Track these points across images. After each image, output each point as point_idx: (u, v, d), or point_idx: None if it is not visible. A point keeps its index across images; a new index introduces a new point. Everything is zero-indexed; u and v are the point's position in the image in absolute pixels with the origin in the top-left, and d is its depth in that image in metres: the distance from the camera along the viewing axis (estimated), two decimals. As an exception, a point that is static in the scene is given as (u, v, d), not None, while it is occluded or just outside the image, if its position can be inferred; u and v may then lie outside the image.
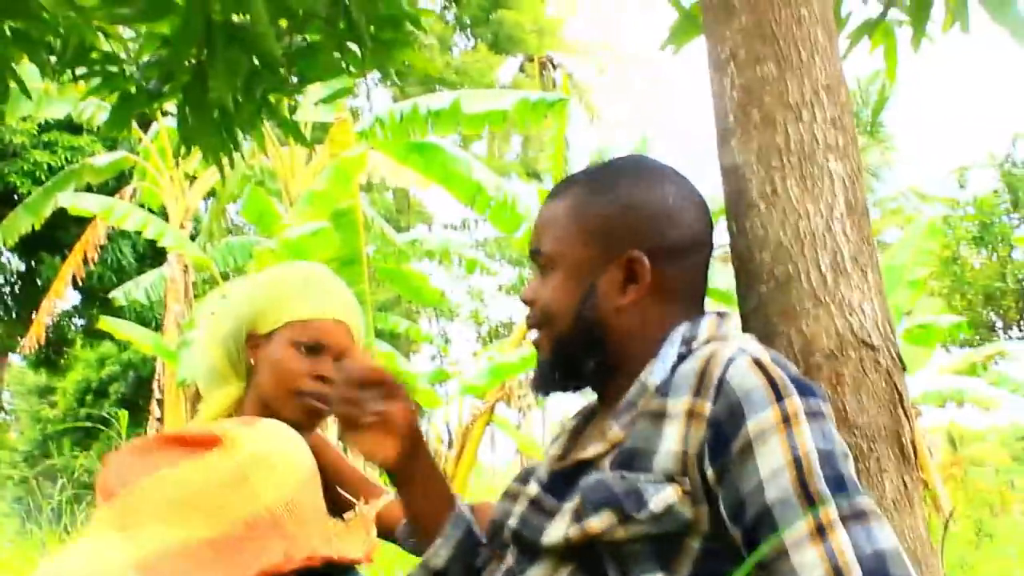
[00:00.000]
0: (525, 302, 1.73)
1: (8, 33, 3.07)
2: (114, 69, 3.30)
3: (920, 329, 11.11)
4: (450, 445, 12.82)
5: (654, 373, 1.55)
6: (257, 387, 1.92)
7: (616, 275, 1.63)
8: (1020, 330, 19.30)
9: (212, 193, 15.53)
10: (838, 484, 1.36)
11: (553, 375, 1.71)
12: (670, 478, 1.44)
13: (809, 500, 1.34)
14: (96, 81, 3.31)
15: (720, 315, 1.65)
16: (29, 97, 3.37)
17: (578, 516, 1.47)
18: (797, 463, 1.36)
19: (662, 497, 1.42)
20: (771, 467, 1.37)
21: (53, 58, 3.18)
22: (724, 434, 1.42)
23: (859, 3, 3.36)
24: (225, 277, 12.44)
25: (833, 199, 1.79)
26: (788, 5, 1.88)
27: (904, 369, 1.76)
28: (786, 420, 1.39)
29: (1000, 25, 3.06)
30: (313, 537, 1.29)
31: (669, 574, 1.43)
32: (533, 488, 1.64)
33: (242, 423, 1.48)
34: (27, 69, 3.24)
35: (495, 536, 1.72)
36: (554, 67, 34.52)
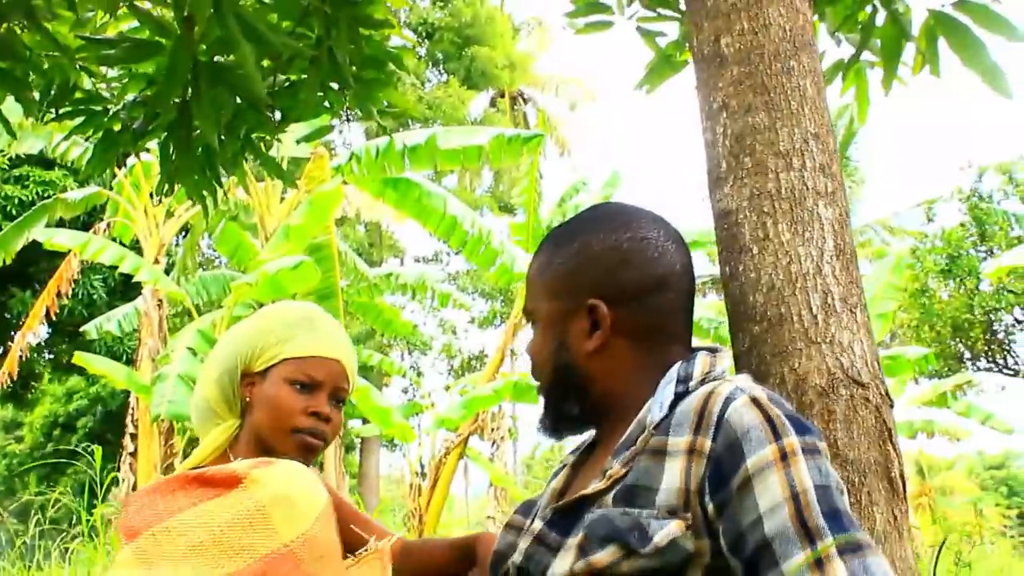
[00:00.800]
0: (528, 355, 1.83)
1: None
2: (97, 108, 3.34)
3: (889, 360, 11.24)
4: (423, 476, 12.82)
5: (652, 411, 1.60)
6: (252, 424, 1.95)
7: (581, 324, 1.71)
8: (987, 361, 19.50)
9: (186, 228, 15.52)
10: (834, 518, 1.41)
11: (550, 421, 1.80)
12: (672, 512, 1.49)
13: (807, 534, 1.40)
14: (79, 120, 3.35)
15: (711, 351, 1.71)
16: (13, 135, 3.40)
17: (583, 551, 1.51)
18: (795, 498, 1.41)
19: (666, 532, 1.47)
20: (770, 502, 1.42)
21: (35, 95, 3.21)
22: (724, 470, 1.47)
23: (831, 44, 3.45)
24: (199, 311, 12.42)
25: (823, 243, 1.86)
26: (778, 58, 1.97)
27: (892, 405, 1.83)
28: (784, 457, 1.44)
29: (971, 69, 3.15)
30: (330, 570, 1.34)
31: None
32: (537, 524, 1.69)
33: (260, 463, 1.52)
34: (3, 103, 3.26)
35: (498, 568, 1.77)
36: (525, 102, 34.67)
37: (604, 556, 1.50)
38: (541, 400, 1.79)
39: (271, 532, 1.38)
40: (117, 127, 3.34)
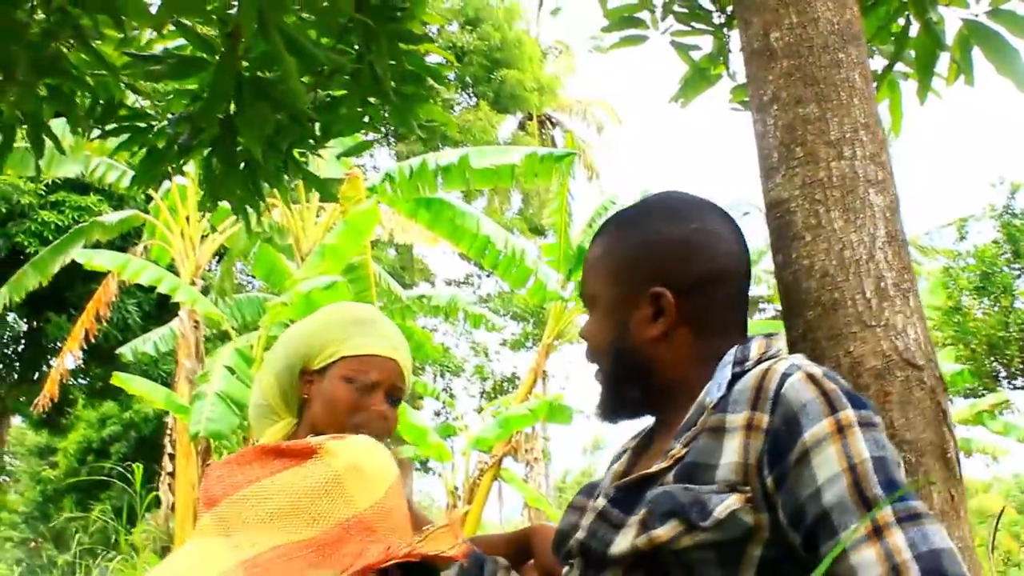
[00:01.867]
0: (584, 337, 1.86)
1: (43, 91, 3.17)
2: (142, 125, 3.40)
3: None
4: (458, 498, 12.83)
5: (711, 393, 1.64)
6: (309, 421, 1.98)
7: (645, 311, 1.74)
8: (1024, 379, 19.33)
9: (220, 251, 15.63)
10: (891, 488, 1.44)
11: (609, 405, 1.84)
12: (732, 487, 1.52)
13: (865, 503, 1.42)
14: (124, 137, 3.40)
15: (767, 336, 1.75)
16: (62, 151, 3.44)
17: (645, 526, 1.54)
18: (852, 469, 1.44)
19: (725, 505, 1.50)
20: (828, 474, 1.46)
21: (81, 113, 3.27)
22: (782, 444, 1.50)
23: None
24: (236, 333, 12.51)
25: (875, 229, 1.89)
26: (827, 50, 2.00)
27: (946, 389, 1.86)
28: (840, 430, 1.48)
29: (1005, 76, 3.16)
30: (403, 540, 1.37)
31: None
32: (600, 502, 1.72)
33: (334, 437, 1.56)
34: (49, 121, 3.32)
35: (561, 547, 1.80)
36: (553, 125, 34.82)
37: (665, 531, 1.52)
38: (600, 384, 1.82)
39: (346, 501, 1.42)
40: (162, 143, 3.39)
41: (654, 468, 1.65)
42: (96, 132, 3.43)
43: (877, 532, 1.40)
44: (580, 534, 1.72)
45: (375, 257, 13.47)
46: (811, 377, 1.54)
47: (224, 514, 1.44)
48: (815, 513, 1.45)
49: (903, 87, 3.57)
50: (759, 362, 1.65)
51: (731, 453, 1.54)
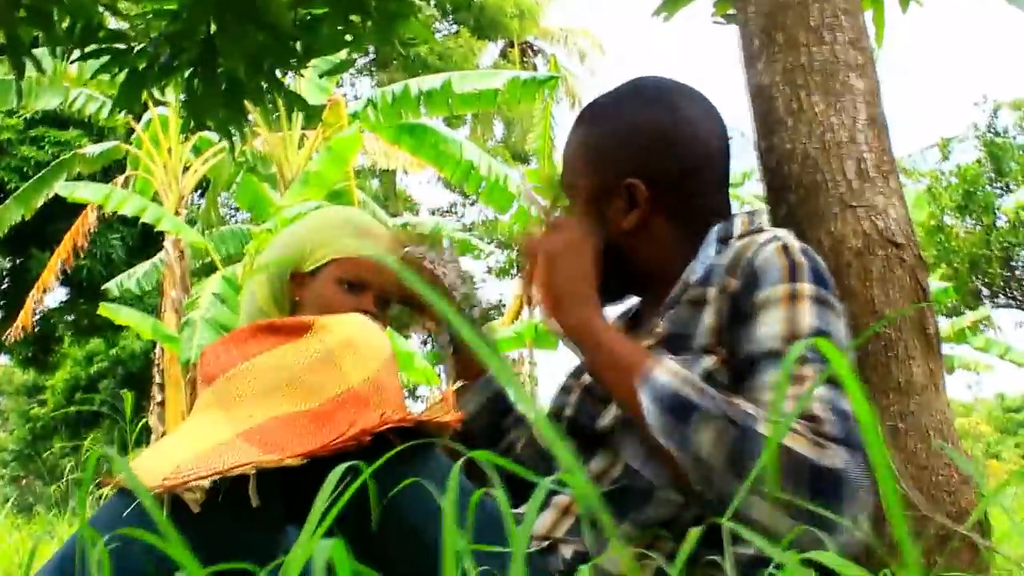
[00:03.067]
0: None
1: (22, 12, 3.14)
2: (122, 47, 3.37)
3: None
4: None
5: (695, 271, 1.66)
6: None
7: (619, 202, 1.74)
8: (1006, 297, 19.49)
9: (203, 183, 15.57)
10: (821, 358, 1.44)
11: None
12: (707, 350, 1.55)
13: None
14: (104, 59, 3.38)
15: (749, 213, 1.76)
16: (43, 71, 3.40)
17: None
18: (792, 333, 1.46)
19: (701, 366, 1.52)
20: (767, 332, 1.48)
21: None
22: (740, 302, 1.53)
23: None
24: (222, 265, 12.50)
25: (856, 113, 1.91)
26: (808, -64, 2.01)
27: (926, 268, 1.89)
28: (793, 297, 1.50)
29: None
30: (397, 414, 1.40)
31: None
32: (586, 378, 1.75)
33: (327, 316, 1.59)
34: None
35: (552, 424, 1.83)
36: (534, 53, 34.56)
37: None
38: None
39: (340, 375, 1.45)
40: (142, 65, 3.37)
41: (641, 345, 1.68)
42: (76, 54, 3.40)
43: (796, 380, 1.43)
44: (569, 411, 1.75)
45: (358, 187, 13.44)
46: (785, 248, 1.56)
47: (221, 390, 1.47)
48: (744, 358, 1.49)
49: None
50: (742, 237, 1.68)
51: (707, 319, 1.57)
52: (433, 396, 1.63)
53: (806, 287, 1.50)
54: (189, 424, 1.47)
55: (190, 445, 1.38)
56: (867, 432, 0.45)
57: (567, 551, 1.55)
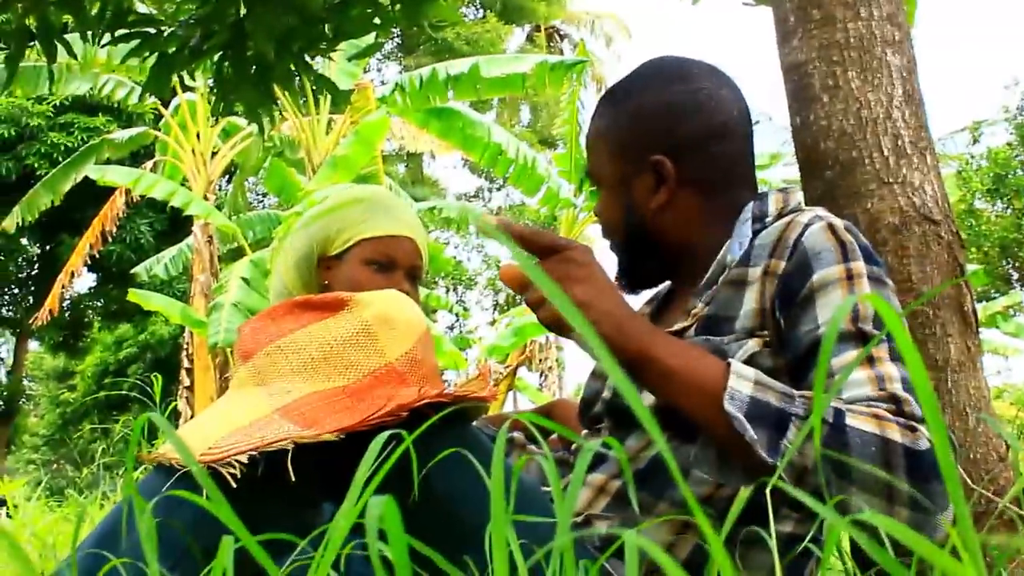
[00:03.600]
0: (596, 216, 1.86)
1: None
2: (152, 30, 3.37)
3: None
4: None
5: (732, 251, 1.64)
6: None
7: (646, 181, 1.73)
8: (1038, 282, 19.34)
9: (231, 168, 15.61)
10: (889, 336, 1.43)
11: (629, 278, 1.84)
12: (750, 333, 1.54)
13: (863, 336, 1.43)
14: (134, 43, 3.38)
15: (782, 190, 1.74)
16: (74, 56, 3.40)
17: None
18: (854, 311, 1.45)
19: (744, 349, 1.51)
20: (829, 314, 1.46)
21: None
22: (792, 285, 1.51)
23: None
24: (250, 249, 12.54)
25: (892, 89, 1.90)
26: (843, -90, 1.99)
27: (963, 245, 1.88)
28: (850, 278, 1.48)
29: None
30: (433, 389, 1.40)
31: None
32: None
33: (363, 292, 1.59)
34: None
35: (587, 413, 1.83)
36: (561, 38, 34.49)
37: None
38: (617, 259, 1.82)
39: (377, 350, 1.45)
40: (172, 49, 3.37)
41: (676, 327, 1.67)
42: (106, 39, 3.41)
43: (870, 360, 1.41)
44: (606, 394, 1.74)
45: (385, 171, 13.45)
46: (831, 227, 1.54)
47: (259, 365, 1.47)
48: (809, 342, 1.46)
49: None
50: (780, 216, 1.66)
51: (750, 301, 1.55)
52: (469, 374, 1.61)
53: (861, 266, 1.49)
54: (226, 400, 1.47)
55: (228, 421, 1.38)
56: (929, 410, 0.44)
57: (602, 526, 1.55)
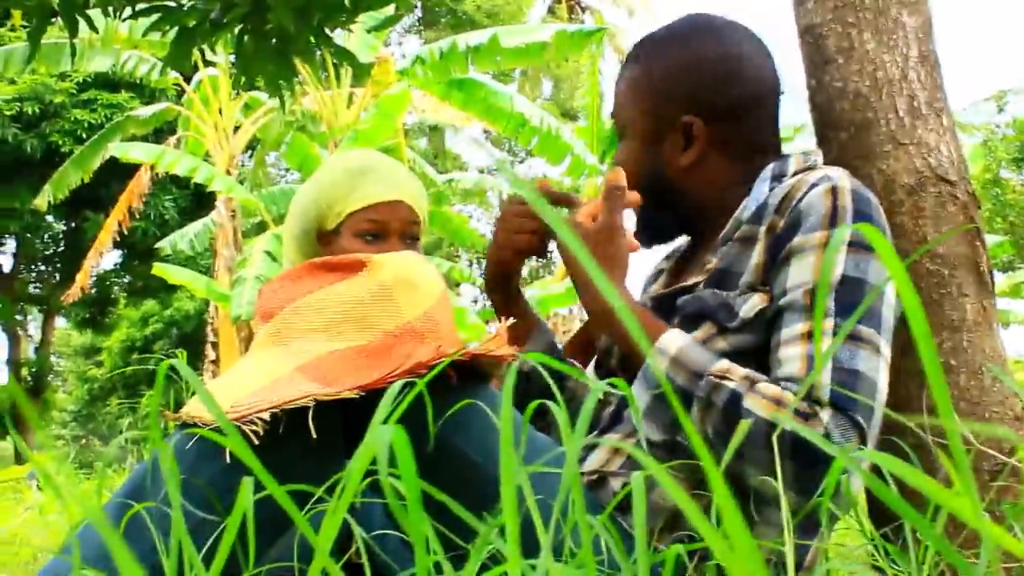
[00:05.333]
0: (616, 165, 1.85)
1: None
2: (172, 4, 3.39)
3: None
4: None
5: (748, 208, 1.66)
6: None
7: (675, 139, 1.75)
8: (1063, 251, 19.19)
9: (254, 143, 15.67)
10: (847, 309, 1.47)
11: (646, 232, 1.86)
12: (752, 288, 1.57)
13: (813, 311, 1.47)
14: (155, 17, 3.40)
15: (804, 153, 1.76)
16: (96, 30, 3.41)
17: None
18: (813, 282, 1.49)
19: (750, 305, 1.55)
20: (797, 280, 1.51)
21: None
22: (779, 245, 1.55)
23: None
24: (273, 224, 12.60)
25: (907, 50, 1.90)
26: None
27: (979, 206, 1.88)
28: (825, 244, 1.51)
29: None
30: (451, 348, 1.42)
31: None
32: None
33: (381, 254, 1.61)
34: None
35: (603, 363, 1.85)
36: (583, 9, 34.36)
37: (698, 335, 1.57)
38: (636, 211, 1.83)
39: (395, 310, 1.47)
40: (193, 22, 3.39)
41: (690, 281, 1.70)
42: (127, 12, 3.42)
43: (810, 336, 1.46)
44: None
45: (407, 146, 13.46)
46: (834, 190, 1.56)
47: (280, 325, 1.49)
48: (775, 309, 1.52)
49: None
50: (796, 175, 1.68)
51: (755, 256, 1.58)
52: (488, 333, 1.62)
53: (844, 233, 1.50)
54: (248, 360, 1.49)
55: (249, 380, 1.40)
56: (929, 365, 0.45)
57: (616, 484, 1.57)
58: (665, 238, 1.88)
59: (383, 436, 0.48)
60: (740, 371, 1.47)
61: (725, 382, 1.45)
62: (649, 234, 1.86)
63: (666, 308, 1.69)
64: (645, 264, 2.08)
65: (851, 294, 1.48)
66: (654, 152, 1.77)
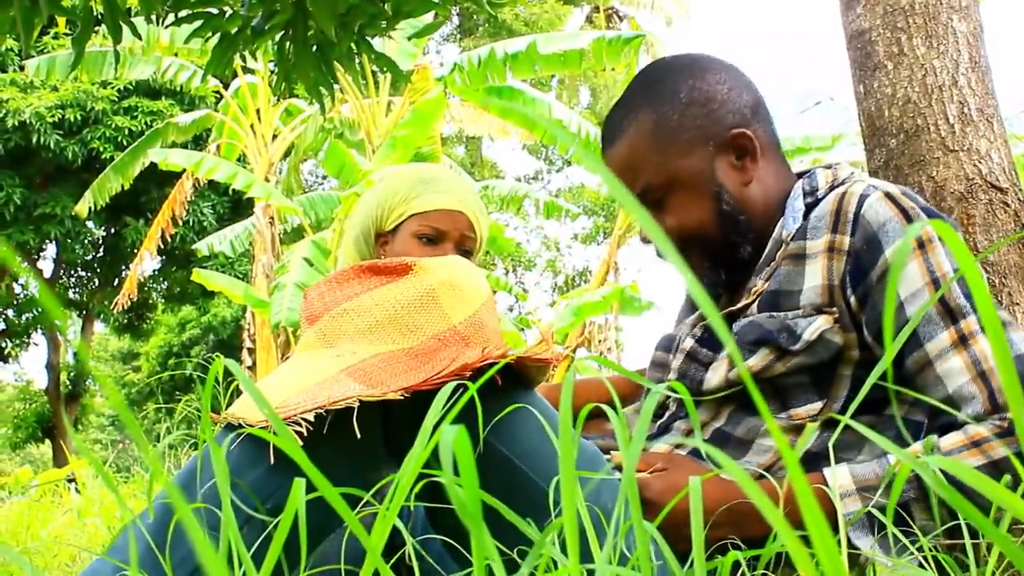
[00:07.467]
0: (668, 234, 1.73)
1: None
2: (214, 11, 3.41)
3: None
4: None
5: (787, 226, 1.64)
6: None
7: (727, 159, 1.68)
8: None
9: (292, 150, 15.75)
10: (971, 300, 1.44)
11: (719, 277, 1.74)
12: (818, 309, 1.54)
13: (950, 314, 1.44)
14: (197, 24, 3.42)
15: (828, 167, 1.72)
16: (139, 36, 3.43)
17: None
18: (935, 282, 1.45)
19: (815, 327, 1.52)
20: (910, 288, 1.47)
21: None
22: (864, 263, 1.51)
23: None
24: (311, 231, 12.64)
25: (958, 55, 1.88)
26: None
27: (1030, 213, 1.85)
28: (921, 245, 1.48)
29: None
30: (496, 352, 1.41)
31: (828, 401, 1.54)
32: (688, 343, 1.72)
33: (428, 258, 1.61)
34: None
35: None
36: (620, 18, 34.31)
37: (757, 360, 1.55)
38: (706, 265, 1.72)
39: (441, 314, 1.47)
40: (235, 28, 3.41)
41: (739, 305, 1.67)
42: (169, 19, 3.45)
43: (963, 341, 1.42)
44: (671, 375, 1.73)
45: (444, 154, 13.49)
46: (889, 196, 1.54)
47: (326, 328, 1.49)
48: (899, 327, 1.46)
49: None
50: (831, 190, 1.65)
51: (814, 277, 1.55)
52: (533, 340, 1.61)
53: (929, 229, 1.48)
54: (293, 362, 1.49)
55: (295, 381, 1.40)
56: (1000, 360, 0.43)
57: None
58: (737, 275, 1.75)
59: (448, 437, 0.47)
60: (916, 446, 1.40)
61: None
62: (727, 276, 1.74)
63: (718, 337, 1.66)
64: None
65: (965, 285, 1.46)
66: (713, 183, 1.68)
